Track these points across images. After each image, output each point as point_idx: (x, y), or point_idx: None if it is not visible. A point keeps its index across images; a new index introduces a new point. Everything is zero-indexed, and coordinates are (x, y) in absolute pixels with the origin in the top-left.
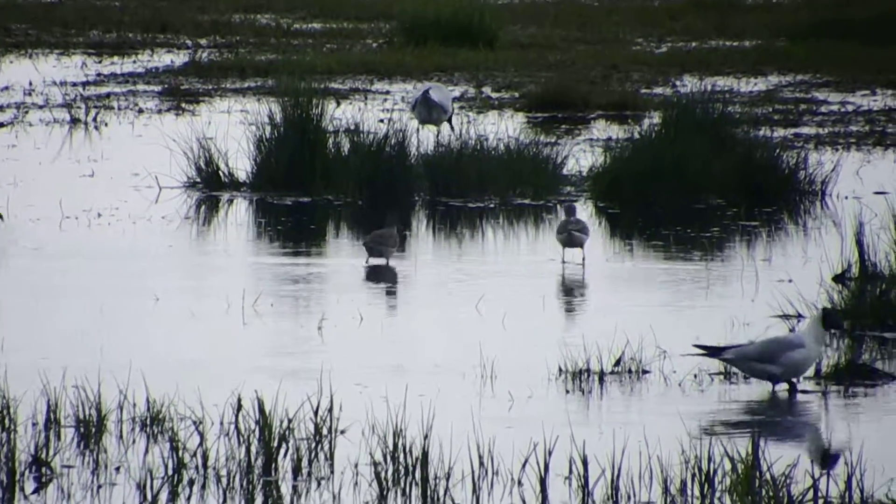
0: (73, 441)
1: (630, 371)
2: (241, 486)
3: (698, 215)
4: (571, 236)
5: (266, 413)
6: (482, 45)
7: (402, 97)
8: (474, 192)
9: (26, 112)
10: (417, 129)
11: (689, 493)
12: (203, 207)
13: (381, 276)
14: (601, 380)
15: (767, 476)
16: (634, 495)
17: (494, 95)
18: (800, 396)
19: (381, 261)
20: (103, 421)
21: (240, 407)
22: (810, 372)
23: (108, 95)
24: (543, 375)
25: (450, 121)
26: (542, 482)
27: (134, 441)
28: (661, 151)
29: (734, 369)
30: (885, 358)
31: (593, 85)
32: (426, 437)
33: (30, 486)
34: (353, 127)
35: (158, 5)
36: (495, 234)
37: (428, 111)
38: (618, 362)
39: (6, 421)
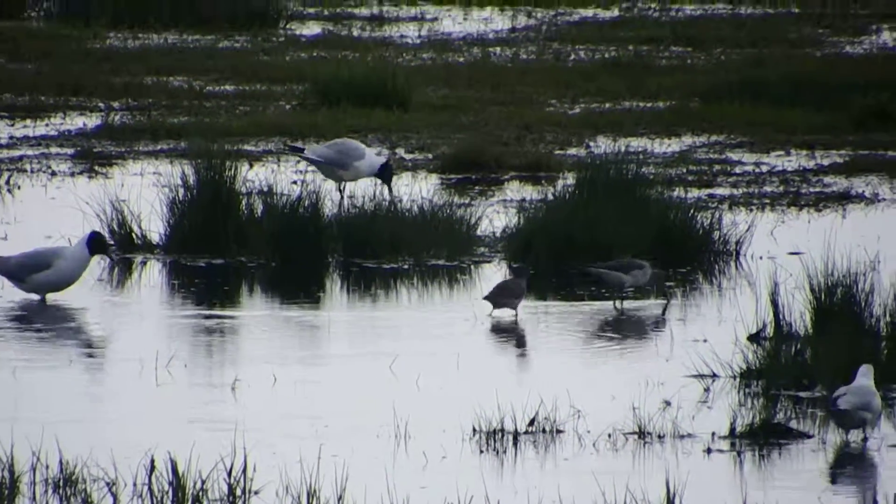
0: None
1: (544, 430)
2: None
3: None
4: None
5: (179, 474)
6: (395, 107)
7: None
8: (388, 253)
9: None
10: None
11: None
12: (116, 270)
13: (294, 336)
14: (515, 439)
15: None
16: None
17: (408, 157)
18: (715, 455)
19: (507, 312)
20: (16, 483)
21: (153, 468)
22: (726, 430)
23: (20, 158)
24: (457, 435)
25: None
26: None
27: (47, 503)
28: (575, 212)
29: (648, 429)
30: (799, 417)
31: (507, 146)
32: (340, 497)
33: None
34: (266, 189)
35: (72, 68)
36: (409, 295)
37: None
38: (532, 422)
39: None
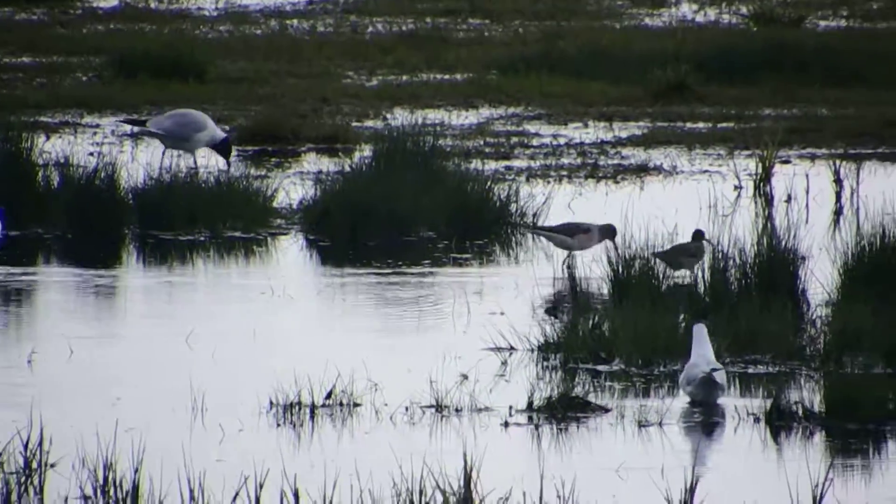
0: None
1: (341, 404)
2: None
3: (410, 248)
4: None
5: None
6: (192, 79)
7: (112, 131)
8: (185, 224)
9: None
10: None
11: None
12: None
13: (90, 309)
14: (312, 413)
15: None
16: None
17: None
18: (512, 429)
19: (683, 272)
20: None
21: None
22: (523, 404)
23: None
24: (254, 409)
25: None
26: None
27: None
28: (372, 185)
29: (446, 403)
30: (597, 390)
31: (304, 118)
32: (136, 470)
33: None
34: (63, 160)
35: None
36: (206, 267)
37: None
38: (329, 395)
39: None
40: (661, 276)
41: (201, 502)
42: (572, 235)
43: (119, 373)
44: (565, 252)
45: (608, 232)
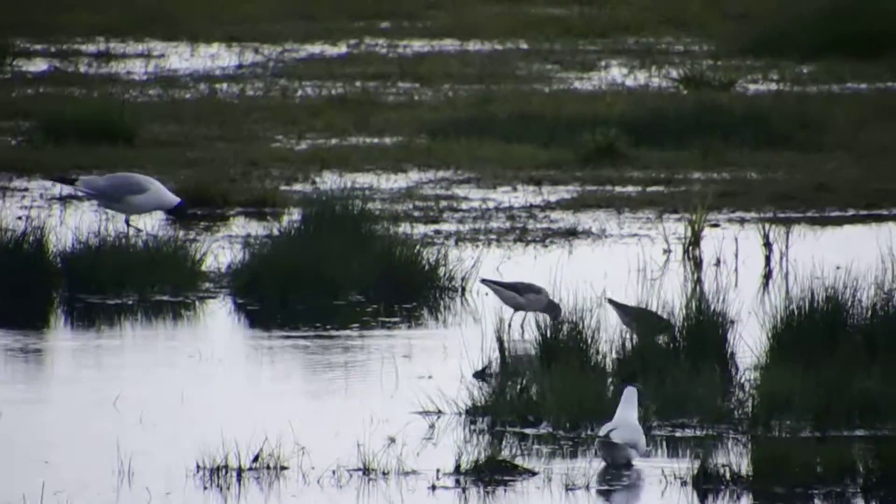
0: None
1: (269, 467)
2: None
3: (338, 312)
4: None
5: None
6: (121, 143)
7: (41, 194)
8: (113, 288)
9: None
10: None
11: None
12: None
13: (17, 372)
14: (240, 476)
15: None
16: None
17: None
18: (440, 492)
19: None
20: None
21: None
22: (451, 467)
23: None
24: (182, 472)
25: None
26: None
27: None
28: (301, 248)
29: (373, 466)
30: (525, 454)
31: (233, 182)
32: None
33: None
34: None
35: None
36: (134, 331)
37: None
38: (256, 458)
39: None
40: (588, 339)
41: None
42: (522, 294)
43: (47, 436)
44: (511, 310)
45: (554, 308)
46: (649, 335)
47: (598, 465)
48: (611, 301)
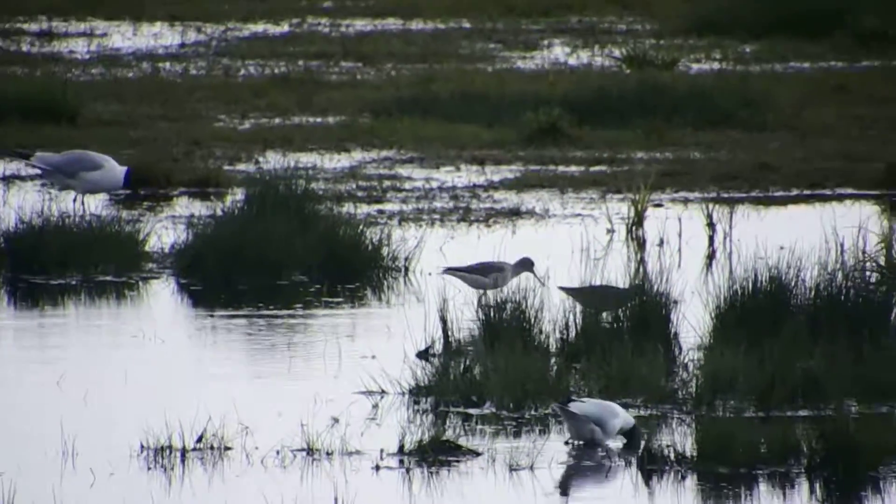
0: None
1: (212, 447)
2: None
3: (281, 292)
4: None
5: None
6: (65, 122)
7: None
8: (56, 268)
9: None
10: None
11: None
12: None
13: None
14: (184, 457)
15: None
16: None
17: None
18: (384, 472)
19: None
20: None
21: None
22: (395, 448)
23: None
24: (125, 452)
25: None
26: None
27: None
28: (244, 228)
29: (317, 446)
30: (469, 434)
31: (176, 162)
32: None
33: None
34: None
35: None
36: (77, 311)
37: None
38: (200, 439)
39: None
40: (532, 319)
41: None
42: (486, 275)
43: None
44: (479, 291)
45: (524, 265)
46: (613, 309)
47: (542, 445)
48: (561, 288)
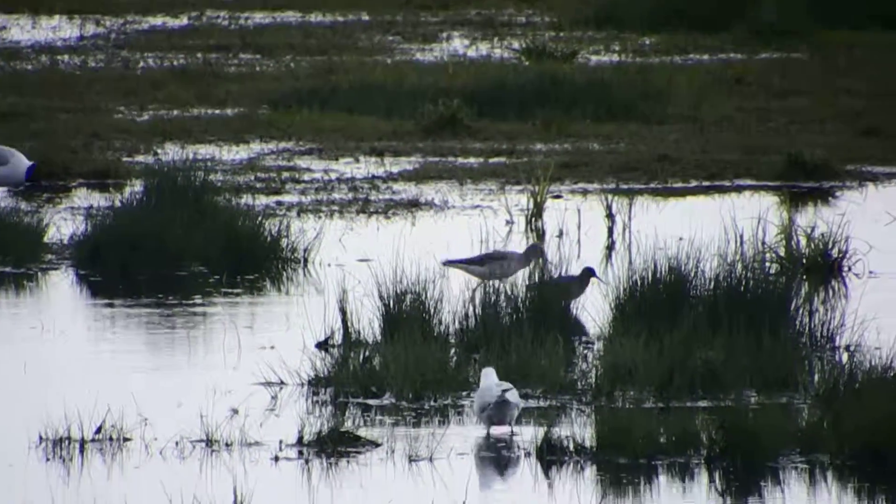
0: None
1: (111, 438)
2: None
3: (180, 283)
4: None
5: None
6: None
7: None
8: None
9: None
10: None
11: None
12: None
13: None
14: (82, 448)
15: None
16: None
17: None
18: (283, 463)
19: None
20: None
21: None
22: (294, 439)
23: None
24: (24, 444)
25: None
26: None
27: None
28: (143, 219)
29: (216, 437)
30: (368, 425)
31: (75, 154)
32: None
33: None
34: None
35: None
36: None
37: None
38: (99, 430)
39: None
40: (431, 310)
41: None
42: (487, 265)
43: None
44: (479, 281)
45: (533, 253)
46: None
47: (442, 436)
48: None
